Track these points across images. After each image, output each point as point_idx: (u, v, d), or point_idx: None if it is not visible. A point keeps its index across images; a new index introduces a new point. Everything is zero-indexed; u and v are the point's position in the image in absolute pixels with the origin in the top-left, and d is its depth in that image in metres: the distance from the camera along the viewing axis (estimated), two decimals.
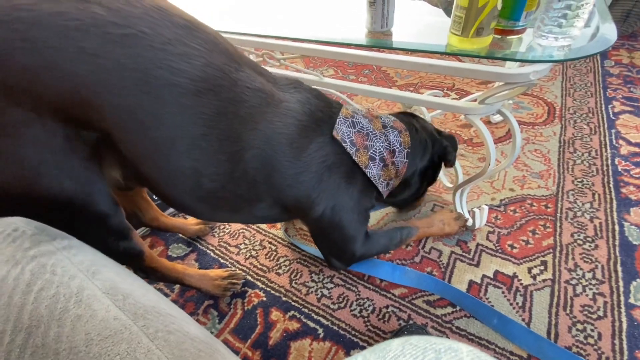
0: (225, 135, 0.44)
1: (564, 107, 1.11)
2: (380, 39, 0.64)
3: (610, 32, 0.55)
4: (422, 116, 0.86)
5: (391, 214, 0.85)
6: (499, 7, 0.51)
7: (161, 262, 0.60)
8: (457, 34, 0.55)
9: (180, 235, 0.84)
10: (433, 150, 0.67)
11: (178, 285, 0.73)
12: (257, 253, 0.79)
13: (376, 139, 0.57)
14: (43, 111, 0.36)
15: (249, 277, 0.74)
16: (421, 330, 0.59)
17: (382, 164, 0.57)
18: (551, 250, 0.72)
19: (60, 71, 0.34)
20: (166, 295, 0.72)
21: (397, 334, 0.59)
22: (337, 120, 0.54)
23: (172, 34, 0.40)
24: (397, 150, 0.59)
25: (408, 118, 0.68)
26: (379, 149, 0.57)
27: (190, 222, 0.83)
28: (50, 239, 0.29)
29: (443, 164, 0.71)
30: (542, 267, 0.69)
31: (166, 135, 0.41)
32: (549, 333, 0.60)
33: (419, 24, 0.69)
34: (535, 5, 0.55)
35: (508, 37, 0.57)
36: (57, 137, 0.37)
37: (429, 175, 0.70)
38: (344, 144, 0.53)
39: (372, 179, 0.57)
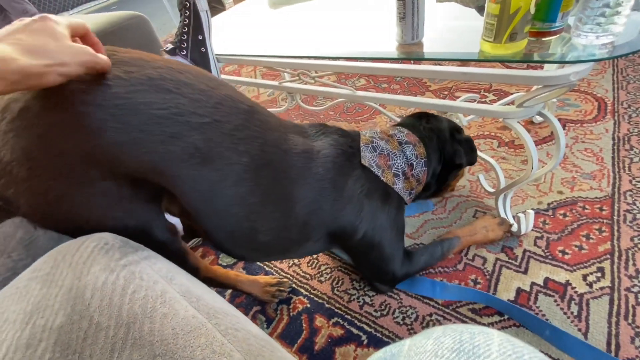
0: (279, 197, 0.51)
1: (617, 102, 1.04)
2: (411, 51, 0.66)
3: None
4: (457, 121, 0.86)
5: (430, 222, 0.84)
6: (532, 11, 0.51)
7: (215, 271, 0.65)
8: (489, 41, 0.55)
9: None
10: (445, 152, 0.69)
11: (228, 292, 0.79)
12: (299, 262, 0.82)
13: (396, 157, 0.62)
14: (118, 173, 0.42)
15: (293, 285, 0.77)
16: None
17: (404, 177, 0.63)
18: (608, 256, 0.68)
19: (144, 148, 0.40)
20: None
21: None
22: (361, 148, 0.60)
23: (238, 119, 0.47)
24: (414, 163, 0.63)
25: (419, 122, 0.70)
26: (400, 165, 0.62)
27: None
28: (134, 251, 0.35)
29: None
30: (598, 274, 0.65)
31: (227, 204, 0.47)
32: (609, 344, 0.56)
33: (450, 31, 0.70)
34: (572, 4, 0.54)
35: (545, 39, 0.56)
36: (125, 189, 0.43)
37: (442, 176, 0.72)
38: (372, 169, 0.59)
39: (399, 192, 0.62)
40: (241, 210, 0.48)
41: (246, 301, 0.76)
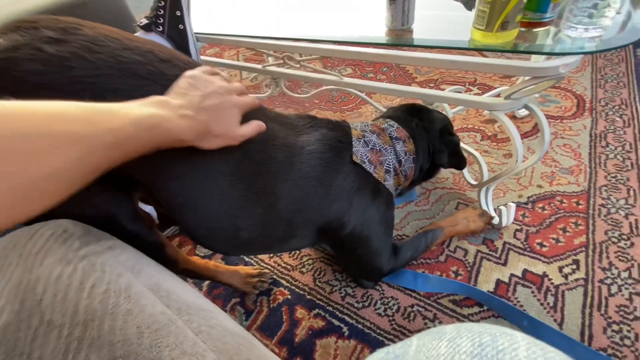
0: (261, 191, 0.48)
1: (595, 99, 1.07)
2: (400, 37, 0.64)
3: None
4: (444, 112, 0.85)
5: (413, 213, 0.84)
6: (525, 0, 0.50)
7: (194, 263, 0.62)
8: (481, 29, 0.54)
9: None
10: (433, 151, 0.68)
11: (206, 284, 0.76)
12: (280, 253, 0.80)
13: (387, 152, 0.60)
14: None
15: (274, 276, 0.75)
16: None
17: (394, 174, 0.61)
18: (584, 249, 0.69)
19: None
20: None
21: None
22: (353, 143, 0.57)
23: None
24: (403, 160, 0.62)
25: (411, 116, 0.68)
26: (391, 161, 0.60)
27: None
28: (96, 240, 0.31)
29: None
30: (574, 266, 0.67)
31: (206, 200, 0.44)
32: (582, 334, 0.58)
33: (439, 19, 0.68)
34: None
35: (535, 30, 0.55)
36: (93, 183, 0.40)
37: (428, 173, 0.72)
38: (363, 165, 0.56)
39: (389, 189, 0.60)
40: (221, 206, 0.45)
41: (225, 293, 0.74)
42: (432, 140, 0.67)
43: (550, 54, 0.51)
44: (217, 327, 0.26)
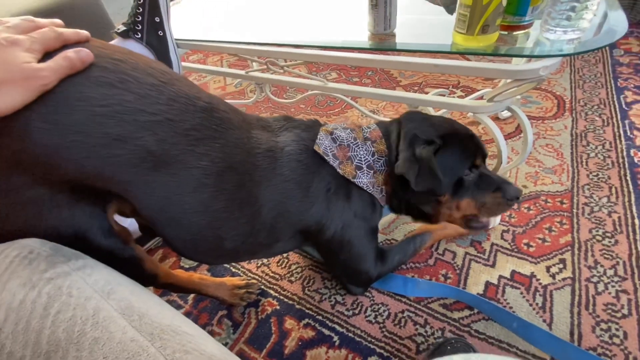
0: (245, 202, 0.47)
1: (574, 100, 1.09)
2: (383, 41, 0.63)
3: (620, 22, 0.54)
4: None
5: (402, 217, 0.83)
6: (504, 3, 0.50)
7: (177, 277, 0.60)
8: (462, 33, 0.54)
9: None
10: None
11: (192, 297, 0.73)
12: (268, 261, 0.78)
13: (358, 148, 0.57)
14: (53, 180, 0.36)
15: (262, 286, 0.73)
16: (467, 347, 0.55)
17: (372, 172, 0.57)
18: (569, 248, 0.70)
19: (83, 152, 0.35)
20: (179, 307, 0.72)
21: (438, 347, 0.56)
22: (318, 137, 0.55)
23: (195, 118, 0.42)
24: (373, 159, 0.57)
25: (390, 124, 0.61)
26: (364, 156, 0.56)
27: None
28: (66, 260, 0.29)
29: None
30: (561, 266, 0.67)
31: (187, 212, 0.43)
32: (572, 334, 0.58)
33: (422, 23, 0.68)
34: None
35: (515, 33, 0.56)
36: (61, 196, 0.38)
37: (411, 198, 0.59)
38: (326, 157, 0.53)
39: (364, 188, 0.56)
40: (203, 217, 0.44)
41: (211, 305, 0.71)
42: (402, 140, 0.56)
43: (530, 57, 0.52)
44: (193, 352, 0.24)
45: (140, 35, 0.77)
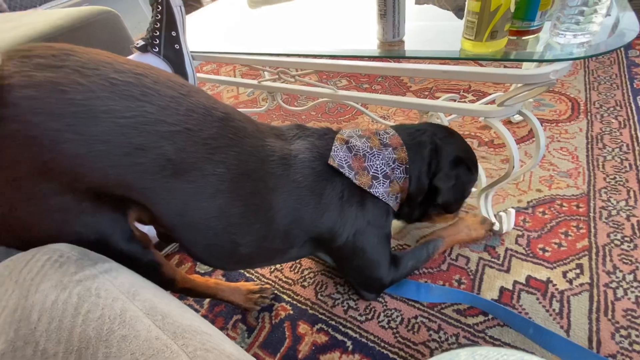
0: (259, 208, 0.48)
1: (589, 102, 1.07)
2: (392, 49, 0.64)
3: (631, 23, 0.54)
4: (438, 121, 0.85)
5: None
6: (512, 9, 0.50)
7: (194, 281, 0.62)
8: (470, 39, 0.54)
9: None
10: (435, 172, 0.62)
11: (207, 301, 0.75)
12: (281, 267, 0.80)
13: (374, 157, 0.57)
14: (79, 187, 0.38)
15: (275, 291, 0.74)
16: None
17: (388, 181, 0.58)
18: (586, 253, 0.69)
19: (108, 161, 0.37)
20: (196, 311, 0.74)
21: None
22: (333, 148, 0.55)
23: (212, 127, 0.44)
24: (392, 167, 0.59)
25: (420, 134, 0.63)
26: (380, 166, 0.57)
27: None
28: (93, 263, 0.31)
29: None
30: (578, 271, 0.66)
31: (204, 217, 0.45)
32: (590, 340, 0.57)
33: (430, 30, 0.69)
34: (550, 3, 0.54)
35: (524, 38, 0.56)
36: (85, 203, 0.40)
37: (431, 201, 0.64)
38: (341, 170, 0.54)
39: (380, 197, 0.57)
40: (219, 223, 0.46)
41: (226, 310, 0.73)
42: (441, 162, 0.61)
43: (540, 61, 0.52)
44: (213, 351, 0.25)
45: (157, 49, 0.81)
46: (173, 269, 0.56)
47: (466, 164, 0.63)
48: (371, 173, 0.56)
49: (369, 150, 0.58)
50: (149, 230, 0.69)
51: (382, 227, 0.60)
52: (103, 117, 0.36)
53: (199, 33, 1.05)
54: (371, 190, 0.56)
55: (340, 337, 0.65)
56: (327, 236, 0.55)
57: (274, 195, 0.49)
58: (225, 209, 0.46)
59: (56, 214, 0.39)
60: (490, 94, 1.12)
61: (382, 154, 0.58)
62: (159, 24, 0.80)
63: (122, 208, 0.44)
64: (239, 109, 0.56)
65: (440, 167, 0.61)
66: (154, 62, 0.80)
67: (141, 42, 0.81)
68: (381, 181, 0.57)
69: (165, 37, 0.81)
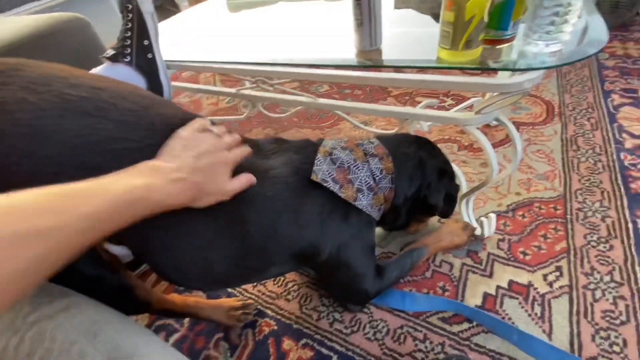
0: (232, 222, 0.46)
1: (563, 105, 1.10)
2: (370, 58, 0.64)
3: (600, 31, 0.55)
4: (418, 126, 0.86)
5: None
6: (486, 19, 0.51)
7: (172, 301, 0.59)
8: (446, 48, 0.55)
9: None
10: (423, 183, 0.63)
11: (187, 320, 0.72)
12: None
13: (358, 170, 0.56)
14: None
15: (259, 306, 0.72)
16: None
17: (372, 193, 0.56)
18: (565, 255, 0.70)
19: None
20: (175, 330, 0.71)
21: None
22: (315, 161, 0.53)
23: None
24: (377, 177, 0.58)
25: (408, 142, 0.64)
26: (364, 178, 0.56)
27: None
28: (50, 301, 0.29)
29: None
30: (557, 273, 0.67)
31: (174, 236, 0.43)
32: (572, 344, 0.57)
33: (408, 37, 0.69)
34: (522, 13, 0.54)
35: (498, 47, 0.57)
36: None
37: (415, 211, 0.66)
38: (325, 184, 0.52)
39: (364, 210, 0.56)
40: (190, 242, 0.43)
41: (207, 328, 0.70)
42: (427, 174, 0.62)
43: (513, 70, 0.52)
44: None
45: (129, 59, 0.77)
46: (147, 290, 0.53)
47: (449, 174, 0.66)
48: (356, 185, 0.55)
49: (352, 162, 0.56)
50: (123, 248, 0.66)
51: (365, 239, 0.59)
52: (54, 138, 0.34)
53: (174, 40, 1.02)
54: (355, 203, 0.54)
55: (325, 352, 0.63)
56: (308, 252, 0.53)
57: (247, 210, 0.47)
58: (196, 225, 0.43)
59: None
60: (469, 98, 1.13)
61: (366, 166, 0.57)
62: (129, 33, 0.77)
63: None
64: (219, 116, 0.53)
65: (425, 179, 0.62)
66: (126, 72, 0.77)
67: (111, 52, 0.77)
68: (365, 193, 0.55)
69: (137, 46, 0.78)
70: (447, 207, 0.67)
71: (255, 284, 0.77)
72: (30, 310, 0.27)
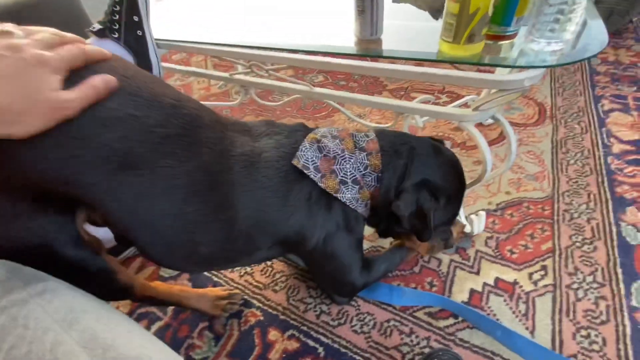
0: (219, 205, 0.44)
1: (554, 107, 1.12)
2: (370, 47, 0.62)
3: (600, 33, 0.55)
4: (414, 122, 0.85)
5: None
6: (490, 13, 0.50)
7: (156, 289, 0.57)
8: (448, 41, 0.53)
9: None
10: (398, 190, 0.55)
11: (171, 308, 0.71)
12: (252, 270, 0.76)
13: (345, 161, 0.53)
14: (11, 185, 0.34)
15: (245, 296, 0.71)
16: (455, 358, 0.55)
17: (357, 187, 0.53)
18: (551, 254, 0.71)
19: (40, 154, 0.33)
20: (158, 318, 0.69)
21: (426, 359, 0.55)
22: (301, 147, 0.51)
23: (160, 115, 0.39)
24: (363, 172, 0.54)
25: (400, 144, 0.57)
26: (350, 170, 0.53)
27: None
28: (24, 285, 0.27)
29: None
30: (542, 272, 0.68)
31: (158, 215, 0.40)
32: (553, 341, 0.59)
33: (408, 30, 0.68)
34: (526, 10, 0.54)
35: (500, 43, 0.56)
36: (22, 205, 0.36)
37: (393, 220, 0.58)
38: (306, 171, 0.50)
39: (347, 203, 0.53)
40: (175, 221, 0.41)
41: (192, 317, 0.69)
42: (406, 180, 0.55)
43: (514, 67, 0.52)
44: None
45: (117, 35, 0.74)
46: (129, 276, 0.51)
47: (433, 190, 0.54)
48: (339, 177, 0.52)
49: (340, 152, 0.53)
50: (105, 232, 0.63)
51: (352, 231, 0.57)
52: None
53: (166, 19, 0.98)
54: (337, 195, 0.52)
55: (312, 344, 0.63)
56: (295, 239, 0.52)
57: (235, 194, 0.45)
58: (181, 205, 0.41)
59: None
60: (463, 96, 1.13)
61: (353, 158, 0.54)
62: (118, 7, 0.73)
63: (69, 210, 0.40)
64: (210, 102, 0.51)
65: (402, 184, 0.55)
66: (113, 48, 0.73)
67: (98, 26, 0.73)
68: (350, 186, 0.53)
69: (127, 22, 0.74)
70: (420, 228, 0.55)
71: (242, 273, 0.76)
72: (1, 294, 0.25)
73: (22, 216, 0.36)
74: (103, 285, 0.47)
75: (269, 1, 0.98)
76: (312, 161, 0.51)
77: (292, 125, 0.57)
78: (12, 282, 0.26)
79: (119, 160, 0.35)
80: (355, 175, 0.53)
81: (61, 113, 0.31)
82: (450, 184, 0.58)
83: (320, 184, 0.51)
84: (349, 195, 0.53)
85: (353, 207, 0.54)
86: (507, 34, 0.54)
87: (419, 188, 0.54)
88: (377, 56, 0.61)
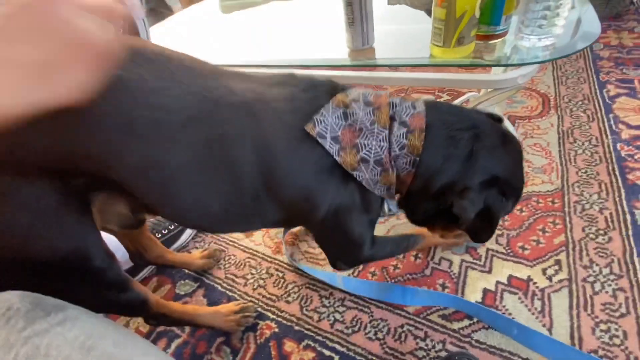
0: (222, 160, 0.42)
1: (558, 97, 1.10)
2: (363, 57, 0.64)
3: (592, 23, 0.55)
4: None
5: (397, 227, 0.83)
6: (477, 15, 0.51)
7: (170, 306, 0.59)
8: (438, 45, 0.54)
9: (186, 270, 0.83)
10: (456, 186, 0.46)
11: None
12: (264, 282, 0.78)
13: (372, 136, 0.44)
14: (29, 172, 0.36)
15: (259, 309, 0.72)
16: None
17: (379, 168, 0.45)
18: (564, 248, 0.70)
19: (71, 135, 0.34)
20: (177, 336, 0.71)
21: None
22: (321, 110, 0.43)
23: (146, 70, 0.37)
24: (397, 153, 0.45)
25: (460, 128, 0.47)
26: (375, 148, 0.44)
27: (195, 257, 0.82)
28: (45, 314, 0.28)
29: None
30: (556, 267, 0.67)
31: (162, 174, 0.40)
32: (572, 337, 0.58)
33: (401, 34, 0.69)
34: (513, 8, 0.54)
35: (490, 42, 0.56)
36: (47, 196, 0.37)
37: (435, 212, 0.51)
38: (321, 140, 0.42)
39: (363, 183, 0.46)
40: (179, 180, 0.41)
41: (209, 333, 0.70)
42: (468, 174, 0.46)
43: (506, 66, 0.52)
44: None
45: None
46: (144, 289, 0.53)
47: (503, 188, 0.47)
48: (361, 154, 0.44)
49: (369, 124, 0.44)
50: (122, 255, 0.66)
51: (369, 211, 0.51)
52: None
53: (168, 41, 1.01)
54: (354, 173, 0.45)
55: (327, 353, 0.63)
56: (302, 206, 0.47)
57: (236, 145, 0.41)
58: (181, 160, 0.40)
59: (19, 215, 0.36)
60: (464, 94, 1.13)
61: (384, 133, 0.45)
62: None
63: (86, 209, 0.41)
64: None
65: (463, 180, 0.46)
66: None
67: None
68: (371, 167, 0.45)
69: None
70: (481, 229, 0.49)
71: (255, 286, 0.77)
72: (24, 325, 0.27)
73: (51, 210, 0.37)
74: (119, 293, 0.48)
75: (264, 21, 1.01)
76: (331, 130, 0.43)
77: (318, 80, 0.48)
78: (35, 312, 0.28)
79: (113, 122, 0.36)
80: (380, 156, 0.45)
81: (103, 57, 0.24)
82: (520, 181, 0.50)
83: (337, 158, 0.44)
84: (367, 176, 0.46)
85: (371, 189, 0.48)
86: (497, 32, 0.55)
87: (488, 186, 0.46)
88: (371, 65, 0.62)
